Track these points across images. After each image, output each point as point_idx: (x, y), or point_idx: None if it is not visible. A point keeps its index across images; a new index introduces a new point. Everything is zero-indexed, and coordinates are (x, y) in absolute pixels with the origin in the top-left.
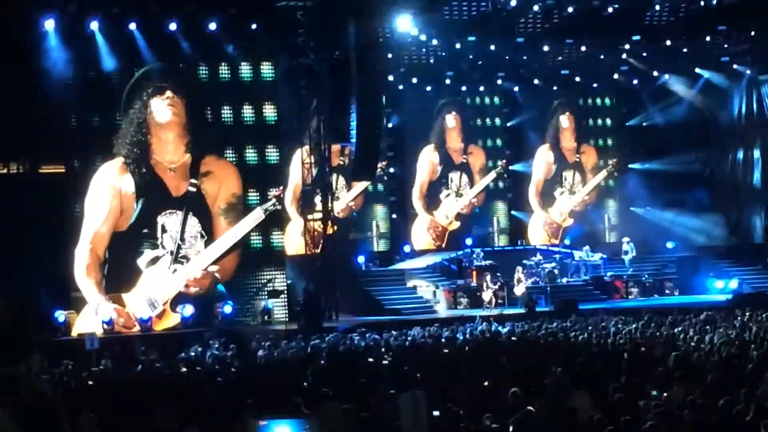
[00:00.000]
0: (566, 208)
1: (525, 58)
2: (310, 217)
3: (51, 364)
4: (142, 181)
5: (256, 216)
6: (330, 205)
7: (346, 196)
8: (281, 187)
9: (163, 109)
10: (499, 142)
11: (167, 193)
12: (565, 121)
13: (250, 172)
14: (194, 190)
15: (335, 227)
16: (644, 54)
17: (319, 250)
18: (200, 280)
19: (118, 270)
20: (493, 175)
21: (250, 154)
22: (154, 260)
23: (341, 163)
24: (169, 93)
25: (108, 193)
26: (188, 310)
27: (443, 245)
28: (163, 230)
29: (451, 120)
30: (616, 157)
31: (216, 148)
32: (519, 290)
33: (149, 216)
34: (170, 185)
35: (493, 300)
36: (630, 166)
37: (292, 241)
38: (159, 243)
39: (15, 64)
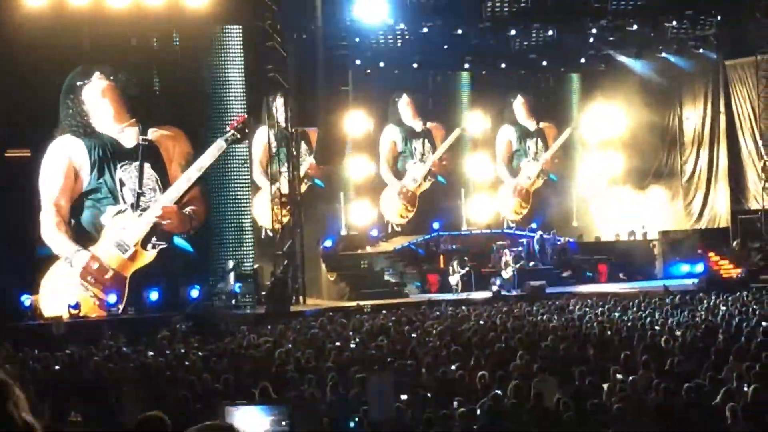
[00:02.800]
0: (533, 172)
1: (492, 42)
2: (276, 200)
3: (17, 350)
4: (90, 140)
5: (218, 147)
6: (297, 188)
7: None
8: (243, 115)
9: (93, 88)
10: (461, 122)
11: (119, 146)
12: (519, 101)
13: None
14: (146, 143)
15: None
16: (611, 38)
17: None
18: (171, 211)
19: (84, 230)
20: (457, 132)
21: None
22: (118, 214)
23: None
24: (96, 73)
25: (59, 164)
26: (154, 294)
27: (415, 210)
28: (122, 184)
29: (404, 99)
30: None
31: (162, 118)
32: (507, 274)
33: (105, 172)
34: (121, 140)
35: (460, 284)
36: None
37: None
38: (120, 197)
39: None
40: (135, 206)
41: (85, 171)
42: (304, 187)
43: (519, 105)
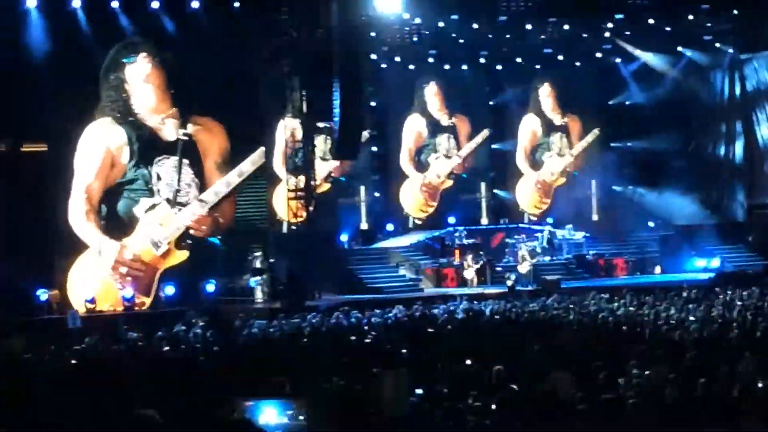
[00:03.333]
0: (557, 169)
1: (508, 36)
2: (291, 194)
3: (33, 344)
4: (131, 129)
5: (260, 154)
6: (313, 182)
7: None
8: None
9: (138, 69)
10: (482, 117)
11: (158, 139)
12: (546, 90)
13: (237, 132)
14: (186, 138)
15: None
16: (627, 33)
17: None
18: (203, 218)
19: (116, 219)
20: (484, 134)
21: (236, 117)
22: (152, 208)
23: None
24: (143, 54)
25: (97, 147)
26: (170, 289)
27: (436, 205)
28: (158, 178)
29: (432, 88)
30: (599, 132)
31: (202, 107)
32: (523, 268)
33: (142, 165)
34: (160, 133)
35: (475, 279)
36: (612, 144)
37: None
38: (155, 190)
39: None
40: (172, 202)
41: (123, 159)
42: (326, 186)
43: (545, 95)
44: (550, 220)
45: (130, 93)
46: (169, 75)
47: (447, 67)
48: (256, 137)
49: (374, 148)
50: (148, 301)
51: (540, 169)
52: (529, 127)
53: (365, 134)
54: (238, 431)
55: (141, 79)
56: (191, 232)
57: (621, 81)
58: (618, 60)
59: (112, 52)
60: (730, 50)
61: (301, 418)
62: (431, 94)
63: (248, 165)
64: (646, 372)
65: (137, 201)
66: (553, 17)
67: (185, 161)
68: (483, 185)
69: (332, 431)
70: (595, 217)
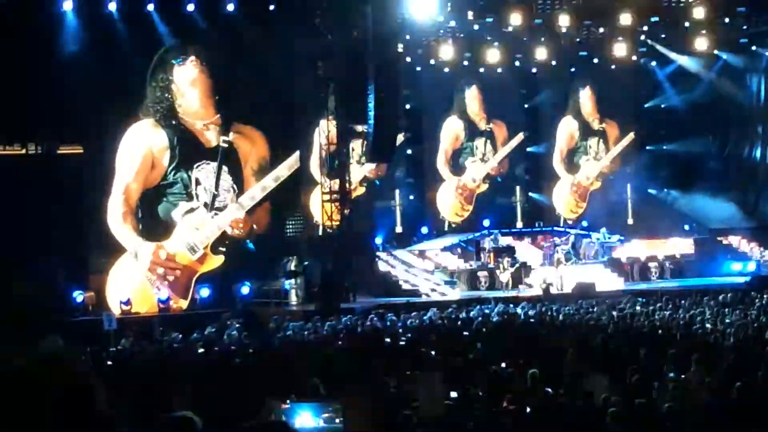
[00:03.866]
0: (593, 173)
1: (542, 39)
2: (327, 197)
3: (68, 346)
4: (173, 133)
5: (296, 158)
6: (348, 185)
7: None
8: None
9: (186, 72)
10: (518, 120)
11: (199, 144)
12: (586, 93)
13: (276, 139)
14: (226, 145)
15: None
16: (663, 36)
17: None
18: (242, 222)
19: (154, 222)
20: (519, 138)
21: (275, 122)
22: (189, 212)
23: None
24: (192, 57)
25: (139, 148)
26: (205, 291)
27: (471, 208)
28: (197, 183)
29: (473, 91)
30: (635, 136)
31: (244, 113)
32: (558, 272)
33: (182, 169)
34: (202, 138)
35: (511, 282)
36: (648, 147)
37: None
38: (194, 194)
39: (33, 45)
40: (209, 207)
41: (164, 162)
42: (362, 190)
43: (585, 98)
44: (584, 223)
45: (176, 95)
46: (214, 81)
47: (481, 70)
48: (293, 142)
49: (409, 151)
50: (184, 304)
51: (576, 173)
52: (566, 129)
53: (400, 137)
54: None
55: (188, 82)
56: (229, 233)
57: (656, 84)
58: (653, 63)
59: (161, 52)
60: (767, 53)
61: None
62: (471, 97)
63: (284, 170)
64: (682, 376)
65: (176, 204)
66: (588, 20)
67: (224, 168)
68: (518, 188)
69: None
70: (630, 221)
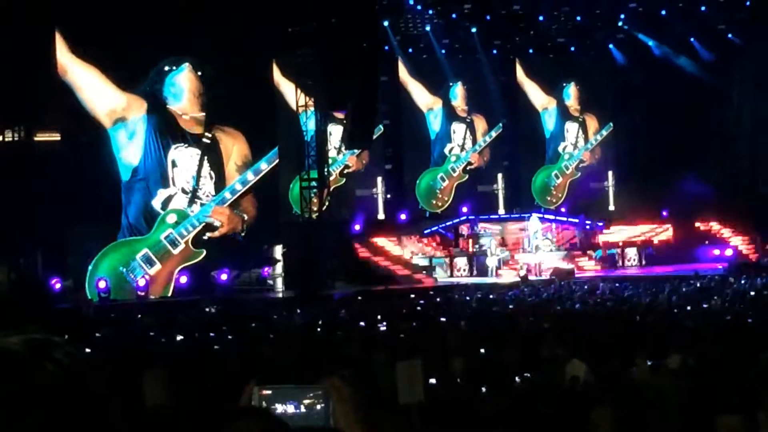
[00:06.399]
0: (573, 161)
1: (521, 25)
2: (306, 186)
3: (47, 333)
4: (159, 113)
5: (274, 155)
6: (326, 171)
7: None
8: None
9: (181, 75)
10: (496, 108)
11: (180, 129)
12: (571, 87)
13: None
14: (209, 140)
15: (329, 195)
16: (640, 24)
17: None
18: (223, 213)
19: (133, 215)
20: (499, 128)
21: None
22: (168, 200)
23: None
24: (187, 64)
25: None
26: (183, 278)
27: (450, 199)
28: (174, 165)
29: (458, 85)
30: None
31: (225, 115)
32: (536, 258)
33: (159, 149)
34: (184, 125)
35: (496, 267)
36: (628, 135)
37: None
38: (170, 178)
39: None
40: (189, 194)
41: (141, 128)
42: (342, 180)
43: (569, 91)
44: (562, 209)
45: (168, 85)
46: (206, 86)
47: (460, 56)
48: (273, 134)
49: (389, 140)
50: (163, 292)
51: (556, 161)
52: (547, 119)
53: (380, 127)
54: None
55: (180, 82)
56: (216, 225)
57: (634, 72)
58: (630, 51)
59: (161, 64)
60: (738, 40)
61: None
62: (455, 90)
63: (264, 164)
64: (661, 361)
65: (153, 194)
66: (566, 7)
67: (206, 158)
68: (500, 176)
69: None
70: (611, 207)
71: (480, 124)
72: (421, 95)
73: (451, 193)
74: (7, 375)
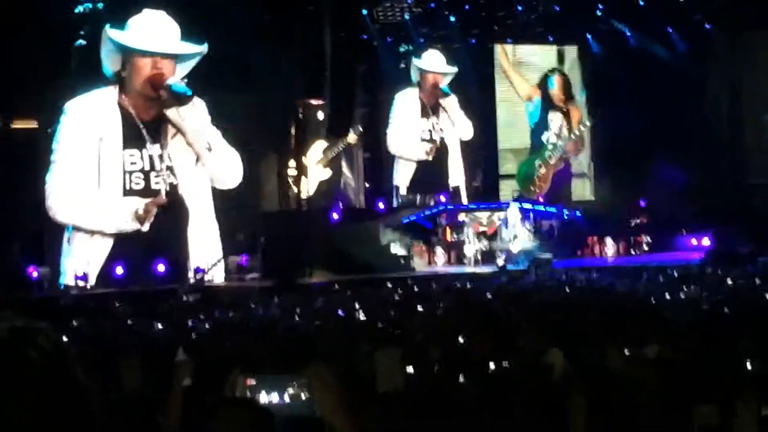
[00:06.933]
0: (556, 151)
1: (501, 14)
2: (283, 173)
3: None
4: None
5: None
6: (302, 160)
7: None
8: None
9: None
10: (473, 97)
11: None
12: (555, 77)
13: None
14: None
15: (309, 184)
16: (620, 13)
17: (295, 205)
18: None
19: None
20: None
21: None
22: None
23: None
24: None
25: None
26: (161, 266)
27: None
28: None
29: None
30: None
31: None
32: (515, 247)
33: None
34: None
35: (475, 256)
36: (605, 122)
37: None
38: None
39: None
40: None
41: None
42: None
43: (555, 81)
44: (540, 198)
45: None
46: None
47: (438, 46)
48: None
49: (363, 127)
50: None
51: (539, 151)
52: (530, 109)
53: (358, 114)
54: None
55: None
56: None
57: (612, 62)
58: (609, 41)
59: None
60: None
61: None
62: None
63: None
64: (638, 350)
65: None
66: None
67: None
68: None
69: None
70: (591, 198)
71: (576, 113)
72: (521, 85)
73: (548, 181)
74: None
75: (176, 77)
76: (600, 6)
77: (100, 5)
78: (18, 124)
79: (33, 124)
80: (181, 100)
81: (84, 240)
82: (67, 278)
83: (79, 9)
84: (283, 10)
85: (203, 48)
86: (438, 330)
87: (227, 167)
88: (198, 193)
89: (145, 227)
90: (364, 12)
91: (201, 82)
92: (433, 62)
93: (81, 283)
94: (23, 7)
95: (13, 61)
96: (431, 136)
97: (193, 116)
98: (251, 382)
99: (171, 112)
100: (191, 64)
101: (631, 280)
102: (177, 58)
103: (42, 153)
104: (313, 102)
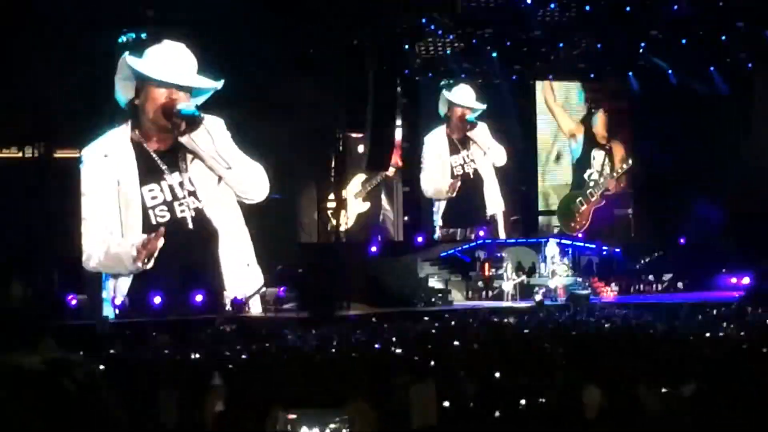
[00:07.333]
0: (598, 189)
1: (543, 50)
2: (323, 206)
3: (63, 349)
4: None
5: None
6: (344, 193)
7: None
8: None
9: None
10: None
11: None
12: (599, 114)
13: None
14: None
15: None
16: (662, 51)
17: (333, 238)
18: None
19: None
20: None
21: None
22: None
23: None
24: None
25: None
26: (199, 296)
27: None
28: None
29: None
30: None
31: None
32: (552, 283)
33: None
34: None
35: (513, 291)
36: (645, 159)
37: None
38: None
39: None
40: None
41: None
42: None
43: (598, 119)
44: (579, 235)
45: None
46: None
47: (480, 81)
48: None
49: (404, 161)
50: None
51: (581, 188)
52: (573, 145)
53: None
54: None
55: None
56: None
57: (653, 100)
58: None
59: None
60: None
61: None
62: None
63: None
64: (674, 389)
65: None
66: (588, 32)
67: None
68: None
69: None
70: (631, 234)
71: (618, 151)
72: (564, 122)
73: (588, 217)
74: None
75: (184, 102)
76: (642, 44)
77: (143, 34)
78: (60, 154)
79: (75, 154)
80: (191, 123)
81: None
82: (107, 308)
83: (123, 39)
84: (326, 44)
85: (218, 84)
86: (474, 364)
87: (251, 182)
88: (225, 213)
89: (150, 265)
90: (407, 47)
91: (243, 113)
92: (463, 96)
93: (119, 312)
94: (70, 39)
95: (56, 91)
96: (463, 170)
97: (208, 139)
98: (292, 416)
99: (185, 140)
100: (205, 97)
101: (669, 317)
102: (192, 90)
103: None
104: (354, 135)
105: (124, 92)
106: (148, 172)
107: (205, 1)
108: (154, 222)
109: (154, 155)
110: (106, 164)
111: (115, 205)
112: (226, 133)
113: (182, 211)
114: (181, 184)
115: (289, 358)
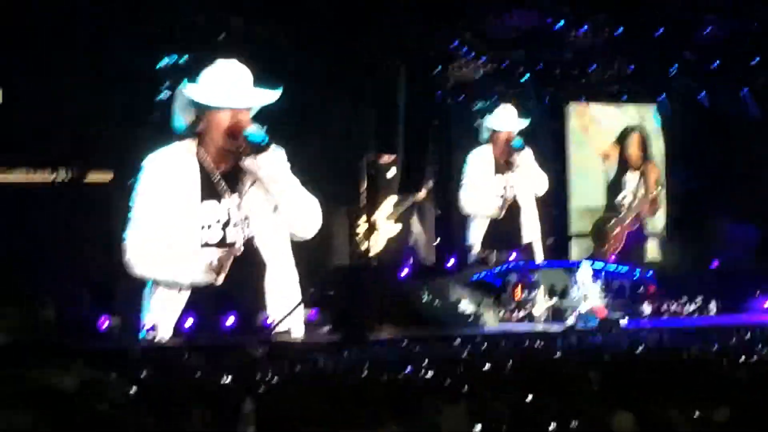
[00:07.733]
0: (631, 212)
1: (575, 72)
2: (354, 227)
3: (93, 373)
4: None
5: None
6: (375, 215)
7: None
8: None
9: None
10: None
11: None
12: (634, 137)
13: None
14: None
15: (378, 239)
16: (694, 73)
17: (364, 260)
18: None
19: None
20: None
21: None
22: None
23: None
24: None
25: None
26: (230, 320)
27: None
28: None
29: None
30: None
31: None
32: (584, 307)
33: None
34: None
35: (545, 315)
36: (677, 182)
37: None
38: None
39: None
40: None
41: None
42: (398, 227)
43: (633, 140)
44: (612, 257)
45: None
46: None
47: (510, 102)
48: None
49: (435, 183)
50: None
51: (615, 210)
52: (607, 167)
53: (429, 170)
54: None
55: None
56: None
57: (685, 122)
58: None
59: None
60: None
61: None
62: (500, 133)
63: None
64: (708, 413)
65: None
66: (620, 56)
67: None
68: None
69: None
70: (664, 258)
71: (653, 173)
72: (598, 143)
73: (621, 240)
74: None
75: (252, 126)
76: (674, 65)
77: (183, 59)
78: (92, 178)
79: (108, 177)
80: (258, 148)
81: (163, 293)
82: (145, 331)
83: (164, 62)
84: (358, 64)
85: (277, 93)
86: (505, 388)
87: (306, 215)
88: (276, 244)
89: (220, 279)
90: (438, 68)
91: (278, 131)
92: (505, 120)
93: (151, 334)
94: (108, 62)
95: (91, 114)
96: (505, 193)
97: (270, 164)
98: None
99: (248, 162)
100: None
101: (701, 340)
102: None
103: (116, 205)
104: (386, 157)
105: (184, 119)
106: (209, 191)
107: (247, 18)
108: (204, 240)
109: (217, 175)
110: (169, 174)
111: (173, 214)
112: (286, 163)
113: (234, 235)
114: (238, 206)
115: (319, 381)
